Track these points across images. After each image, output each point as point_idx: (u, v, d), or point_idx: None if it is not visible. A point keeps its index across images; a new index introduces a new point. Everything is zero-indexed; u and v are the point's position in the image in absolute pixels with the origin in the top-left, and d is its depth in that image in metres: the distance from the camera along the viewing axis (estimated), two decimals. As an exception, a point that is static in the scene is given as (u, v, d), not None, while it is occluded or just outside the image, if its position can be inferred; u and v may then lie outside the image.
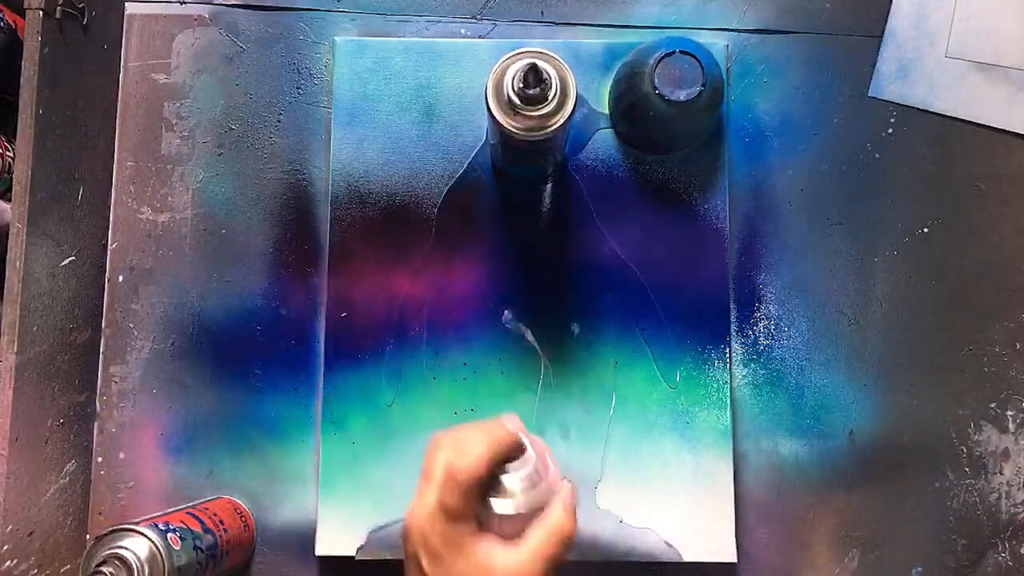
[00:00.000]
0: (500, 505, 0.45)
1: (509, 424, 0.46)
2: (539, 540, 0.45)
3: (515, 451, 0.46)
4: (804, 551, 0.65)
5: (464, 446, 0.44)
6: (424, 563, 0.44)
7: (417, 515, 0.45)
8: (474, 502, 0.44)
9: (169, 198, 0.67)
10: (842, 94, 0.67)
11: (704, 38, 0.66)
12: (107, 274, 0.66)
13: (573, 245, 0.65)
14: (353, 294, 0.64)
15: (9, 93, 0.60)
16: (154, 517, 0.56)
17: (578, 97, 0.53)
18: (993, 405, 0.65)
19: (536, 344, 0.64)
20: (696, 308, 0.64)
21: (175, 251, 0.66)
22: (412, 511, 0.45)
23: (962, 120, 0.67)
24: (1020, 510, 0.65)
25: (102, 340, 0.66)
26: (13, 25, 0.63)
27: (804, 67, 0.67)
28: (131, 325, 0.66)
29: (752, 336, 0.66)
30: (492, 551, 0.44)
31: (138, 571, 0.51)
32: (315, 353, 0.65)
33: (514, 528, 0.45)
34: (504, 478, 0.45)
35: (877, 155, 0.67)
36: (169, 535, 0.53)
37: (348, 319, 0.64)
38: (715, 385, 0.64)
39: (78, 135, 0.62)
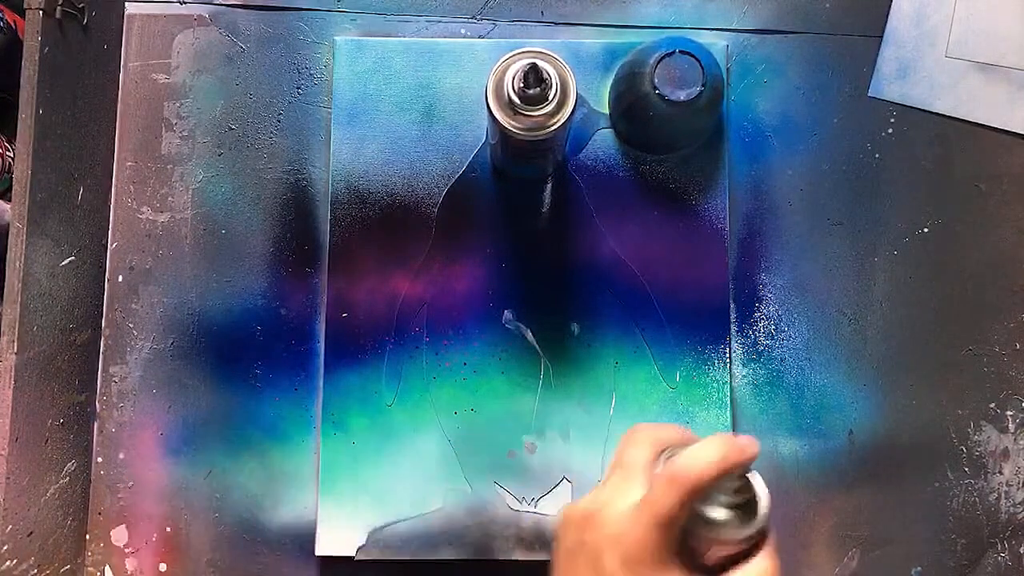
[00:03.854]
0: (731, 522, 0.39)
1: (749, 445, 0.40)
2: None
3: (742, 471, 0.40)
4: (804, 551, 0.65)
5: (694, 448, 0.39)
6: (608, 563, 0.39)
7: (615, 509, 0.39)
8: (687, 513, 0.39)
9: (169, 198, 0.67)
10: (842, 94, 0.67)
11: (704, 38, 0.66)
12: (107, 274, 0.66)
13: (573, 245, 0.65)
14: (353, 294, 0.64)
15: (9, 93, 0.60)
16: None
17: (578, 97, 0.53)
18: (993, 405, 0.65)
19: (536, 344, 0.64)
20: (696, 308, 0.64)
21: (175, 251, 0.66)
22: (605, 501, 0.40)
23: (962, 120, 0.67)
24: (1019, 510, 0.65)
25: (102, 340, 0.66)
26: (13, 25, 0.63)
27: (804, 67, 0.67)
28: (131, 325, 0.66)
29: (752, 336, 0.66)
30: None
31: None
32: (315, 353, 0.65)
33: (719, 554, 0.40)
34: (754, 483, 0.40)
35: (877, 155, 0.67)
36: None
37: (348, 319, 0.64)
38: (715, 385, 0.64)
39: (78, 135, 0.62)
